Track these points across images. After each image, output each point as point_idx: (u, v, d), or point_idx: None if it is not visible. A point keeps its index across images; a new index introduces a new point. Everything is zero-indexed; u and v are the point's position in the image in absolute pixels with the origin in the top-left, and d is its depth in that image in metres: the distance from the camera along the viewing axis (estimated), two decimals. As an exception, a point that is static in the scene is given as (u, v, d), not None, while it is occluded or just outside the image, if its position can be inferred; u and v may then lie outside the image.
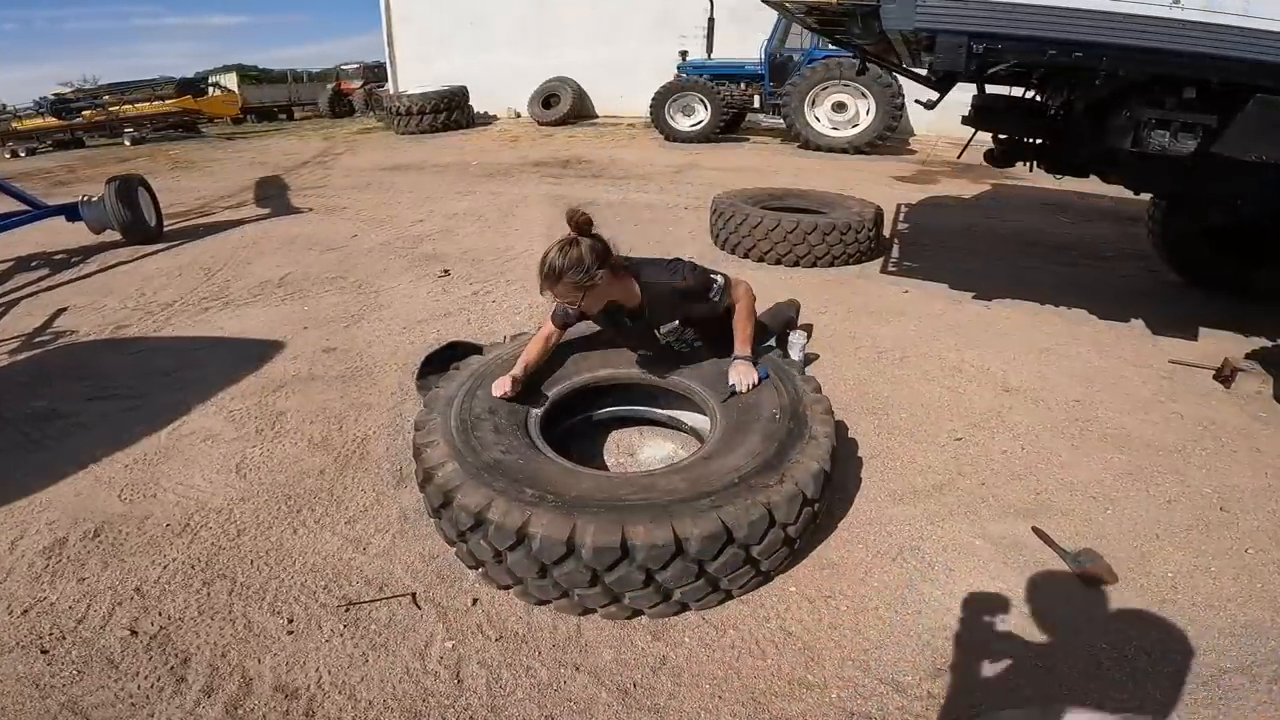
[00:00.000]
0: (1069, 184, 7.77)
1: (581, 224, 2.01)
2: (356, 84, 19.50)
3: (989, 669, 1.68)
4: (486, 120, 14.62)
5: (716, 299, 2.26)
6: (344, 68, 20.77)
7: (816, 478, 1.80)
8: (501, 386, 2.19)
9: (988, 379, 3.18)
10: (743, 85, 10.72)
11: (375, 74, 19.24)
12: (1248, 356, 3.29)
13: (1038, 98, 3.37)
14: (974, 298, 4.25)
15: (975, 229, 6.04)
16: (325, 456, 2.56)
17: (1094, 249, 5.51)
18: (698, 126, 10.54)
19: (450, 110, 12.91)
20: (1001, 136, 3.83)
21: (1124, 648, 1.74)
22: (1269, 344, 3.56)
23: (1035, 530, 2.17)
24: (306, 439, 2.68)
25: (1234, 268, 4.19)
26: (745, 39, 10.91)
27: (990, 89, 3.84)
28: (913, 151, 10.42)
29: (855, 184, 7.56)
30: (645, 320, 2.28)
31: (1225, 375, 3.13)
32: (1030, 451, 2.60)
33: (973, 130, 3.90)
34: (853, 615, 1.83)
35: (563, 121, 13.23)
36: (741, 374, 2.23)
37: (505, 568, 1.73)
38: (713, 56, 10.92)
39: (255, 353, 3.49)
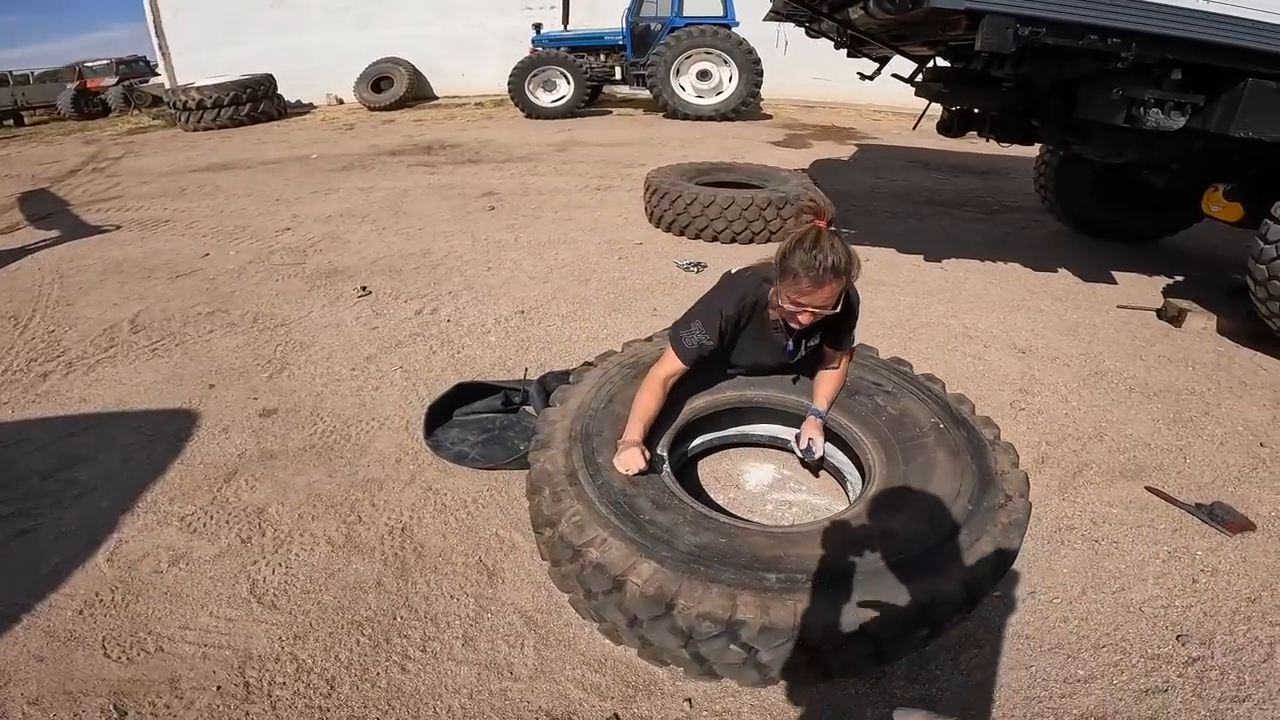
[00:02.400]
0: (924, 141, 8.62)
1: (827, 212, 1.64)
2: (109, 80, 16.78)
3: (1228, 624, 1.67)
4: (302, 109, 12.82)
5: (853, 336, 2.00)
6: (88, 65, 17.61)
7: (1020, 528, 1.61)
8: (632, 462, 1.71)
9: (996, 342, 3.28)
10: (602, 56, 10.34)
11: (133, 68, 17.12)
12: (1175, 297, 3.69)
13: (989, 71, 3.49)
14: (925, 259, 4.42)
15: (877, 191, 6.31)
16: (368, 561, 1.96)
17: (980, 203, 5.99)
18: (561, 101, 10.02)
19: (255, 100, 11.15)
20: (954, 108, 3.94)
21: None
22: (1171, 280, 4.08)
23: (1151, 490, 2.22)
24: (324, 540, 2.04)
25: (1114, 216, 4.74)
26: (597, 9, 10.48)
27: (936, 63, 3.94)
28: (769, 116, 10.76)
29: (741, 151, 7.62)
30: (804, 333, 1.90)
31: (1173, 316, 3.49)
32: (1086, 411, 2.69)
33: (926, 102, 3.98)
34: (1068, 605, 1.74)
35: (398, 105, 11.97)
36: (815, 436, 1.96)
37: (703, 658, 1.40)
38: (569, 27, 10.38)
39: (163, 430, 2.63)
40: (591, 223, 5.15)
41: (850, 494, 2.07)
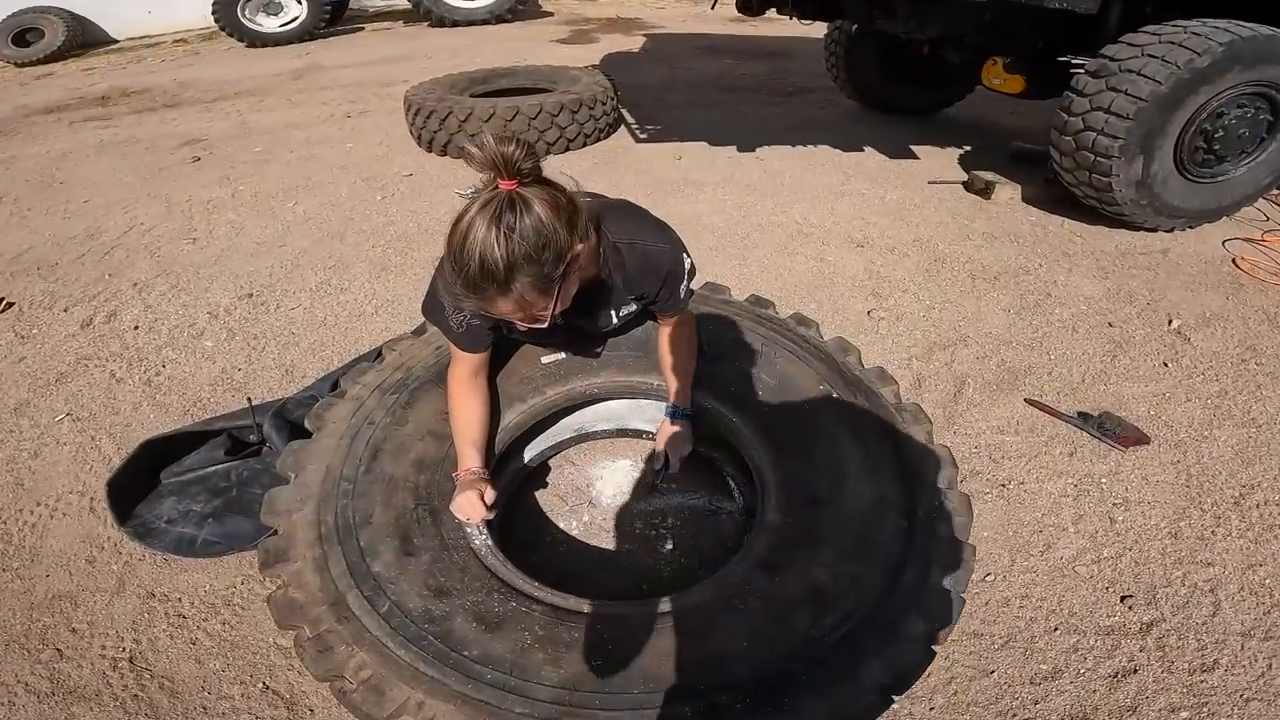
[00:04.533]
0: (708, 27, 8.17)
1: (519, 163, 0.96)
2: None
3: (1162, 573, 1.47)
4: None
5: (684, 291, 1.36)
6: None
7: (965, 534, 1.21)
8: (470, 509, 1.21)
9: (832, 237, 2.99)
10: (339, -40, 8.36)
11: None
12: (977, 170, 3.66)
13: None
14: (739, 150, 4.05)
15: (675, 82, 5.77)
16: (98, 710, 1.16)
17: (775, 86, 5.71)
18: (293, 24, 8.06)
19: None
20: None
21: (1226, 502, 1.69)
22: (962, 150, 4.10)
23: (1031, 403, 2.02)
24: (23, 690, 1.19)
25: (899, 91, 4.73)
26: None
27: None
28: (550, 14, 9.62)
29: (522, 54, 6.65)
30: (600, 302, 1.36)
31: (981, 189, 3.44)
32: (940, 309, 2.47)
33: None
34: (1004, 582, 1.47)
35: (58, 57, 8.96)
36: (677, 444, 1.47)
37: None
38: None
39: None
40: (341, 158, 4.05)
41: (735, 489, 1.60)
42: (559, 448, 1.68)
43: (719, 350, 1.54)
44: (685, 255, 1.32)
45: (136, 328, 2.41)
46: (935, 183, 3.63)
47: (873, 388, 1.42)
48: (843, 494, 1.23)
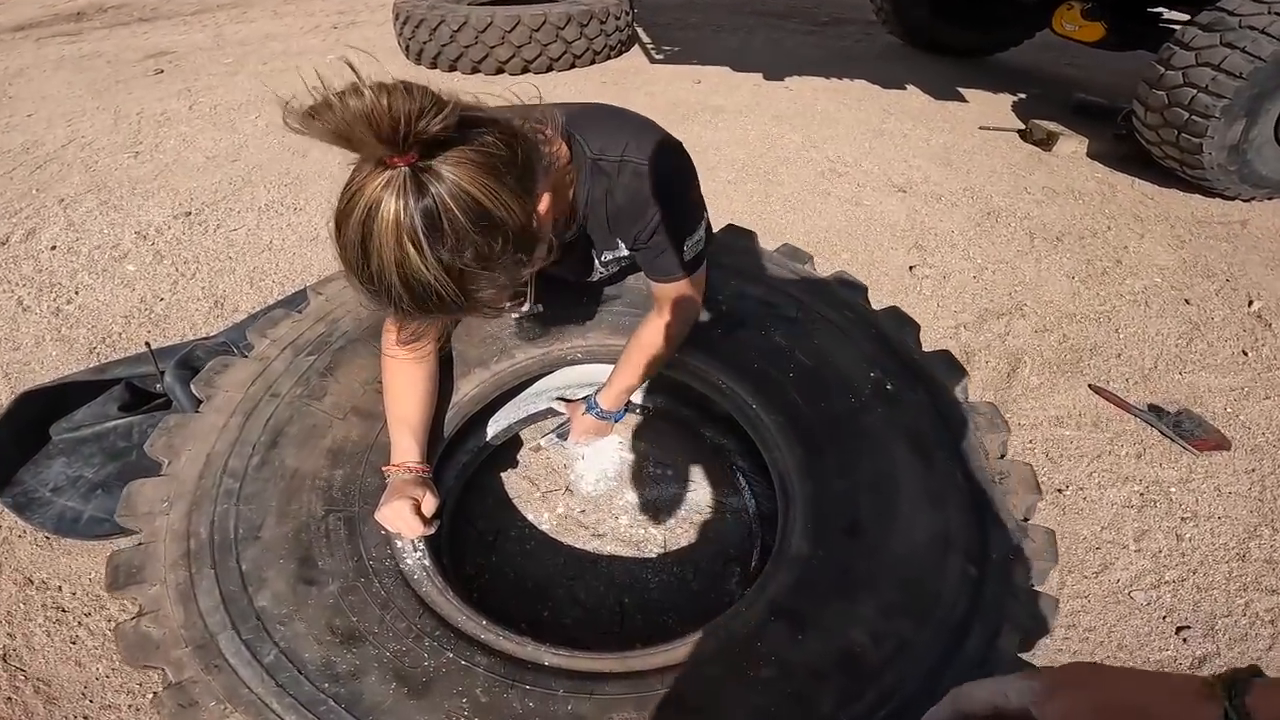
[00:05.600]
0: None
1: (422, 122, 0.58)
2: None
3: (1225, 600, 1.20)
4: None
5: (685, 248, 1.00)
6: None
7: (1050, 592, 0.92)
8: (400, 521, 0.90)
9: (870, 179, 2.63)
10: None
11: None
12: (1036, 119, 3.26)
13: None
14: (765, 78, 3.62)
15: (698, 1, 5.20)
16: None
17: (808, 14, 5.19)
18: None
19: None
20: None
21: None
22: (1016, 98, 3.65)
23: (1096, 390, 1.71)
24: None
25: (949, 30, 4.24)
26: None
27: None
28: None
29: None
30: (577, 246, 1.02)
31: (1041, 140, 3.05)
32: (995, 272, 2.12)
33: None
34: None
35: None
36: (584, 432, 1.24)
37: None
38: None
39: None
40: (319, 71, 3.60)
41: (742, 482, 1.30)
42: (532, 420, 1.37)
43: (739, 313, 1.21)
44: (692, 191, 0.97)
45: (54, 248, 2.07)
46: (988, 129, 3.22)
47: (937, 378, 1.09)
48: (893, 523, 0.92)
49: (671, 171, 0.94)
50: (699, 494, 1.35)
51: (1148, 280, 2.13)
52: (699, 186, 1.01)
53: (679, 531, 1.30)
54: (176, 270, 1.95)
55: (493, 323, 1.20)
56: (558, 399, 1.31)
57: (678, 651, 0.83)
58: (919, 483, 0.95)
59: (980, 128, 3.22)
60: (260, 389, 1.03)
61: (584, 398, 1.23)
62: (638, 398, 1.39)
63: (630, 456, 1.41)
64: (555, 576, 1.23)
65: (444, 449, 1.09)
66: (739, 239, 1.39)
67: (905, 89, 3.68)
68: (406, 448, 0.96)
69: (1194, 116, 2.37)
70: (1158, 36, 2.58)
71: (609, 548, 1.27)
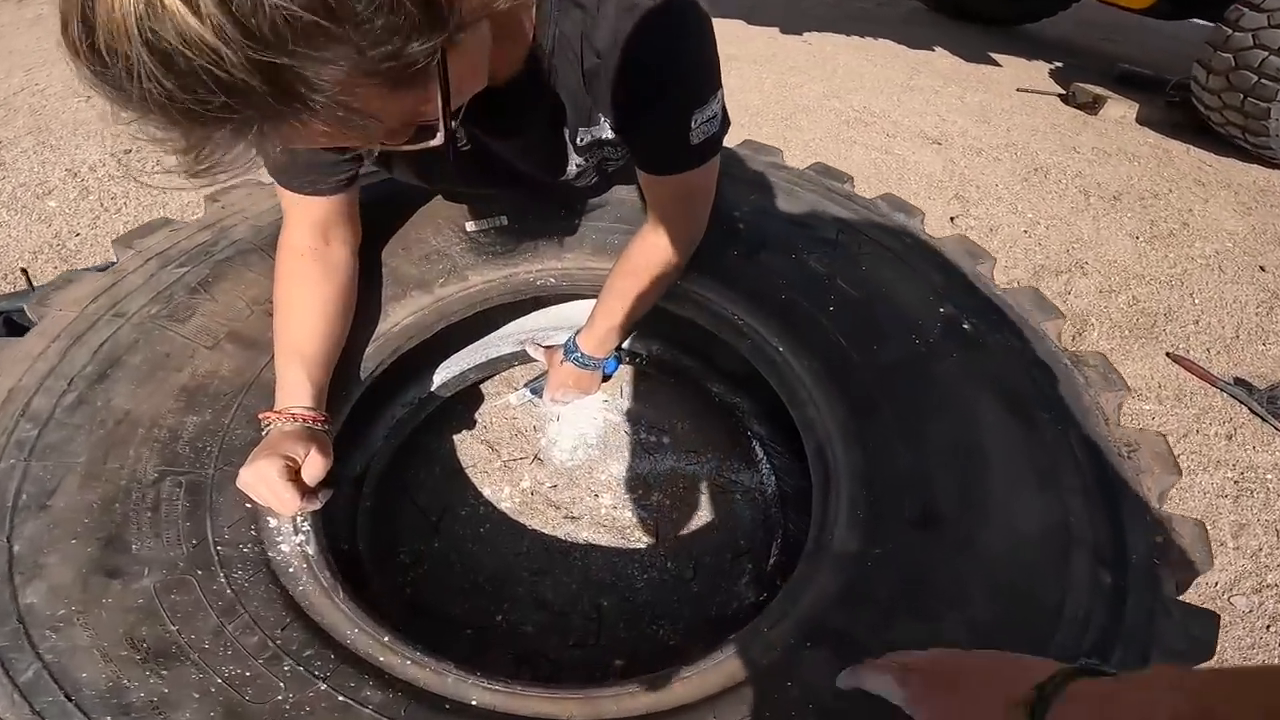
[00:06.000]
0: None
1: None
2: None
3: None
4: None
5: (712, 123, 0.71)
6: None
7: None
8: (273, 492, 0.60)
9: (901, 130, 2.34)
10: None
11: None
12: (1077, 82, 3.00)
13: None
14: (782, 32, 3.30)
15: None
16: None
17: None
18: None
19: None
20: None
21: None
22: (1052, 66, 3.37)
23: (1175, 359, 1.44)
24: None
25: None
26: None
27: None
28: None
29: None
30: (535, 121, 0.72)
31: (1087, 103, 2.78)
32: (1048, 228, 1.85)
33: None
34: None
35: None
36: (561, 385, 0.95)
37: None
38: None
39: None
40: None
41: (759, 453, 1.02)
42: (494, 368, 1.09)
43: (761, 233, 0.92)
44: (706, 45, 0.68)
45: None
46: (1026, 90, 2.94)
47: (1027, 320, 0.81)
48: (985, 509, 0.64)
49: (677, 11, 0.65)
50: (703, 468, 1.07)
51: (1218, 244, 1.86)
52: (715, 42, 0.71)
53: (676, 516, 1.02)
54: (101, 206, 1.68)
55: (440, 235, 0.91)
56: (531, 343, 1.03)
57: (670, 691, 0.56)
58: (1020, 454, 0.67)
59: (1018, 89, 2.94)
60: (102, 306, 0.74)
61: (563, 350, 0.94)
62: (628, 343, 1.11)
63: (616, 419, 1.13)
64: (515, 570, 0.95)
65: (364, 396, 0.81)
66: (759, 154, 1.10)
67: (933, 50, 3.40)
68: (295, 387, 0.68)
69: (1262, 80, 2.17)
70: (1215, 2, 2.36)
71: (586, 534, 0.99)
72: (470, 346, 1.05)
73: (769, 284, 0.87)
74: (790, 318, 0.83)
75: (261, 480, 0.59)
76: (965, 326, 0.79)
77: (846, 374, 0.77)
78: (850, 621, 0.59)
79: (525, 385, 1.10)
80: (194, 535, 0.59)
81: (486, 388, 1.15)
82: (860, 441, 0.72)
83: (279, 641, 0.55)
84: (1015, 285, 0.91)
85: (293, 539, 0.63)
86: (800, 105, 2.42)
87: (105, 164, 1.92)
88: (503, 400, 1.14)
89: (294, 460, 0.61)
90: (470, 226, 0.94)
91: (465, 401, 1.11)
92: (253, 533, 0.62)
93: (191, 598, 0.55)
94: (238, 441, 0.67)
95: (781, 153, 1.12)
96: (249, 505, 0.63)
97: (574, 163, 0.82)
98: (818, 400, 0.76)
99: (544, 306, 1.07)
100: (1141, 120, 2.70)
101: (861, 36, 3.45)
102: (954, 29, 3.82)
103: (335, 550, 0.69)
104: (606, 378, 1.00)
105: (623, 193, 0.98)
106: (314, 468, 0.62)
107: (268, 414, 0.66)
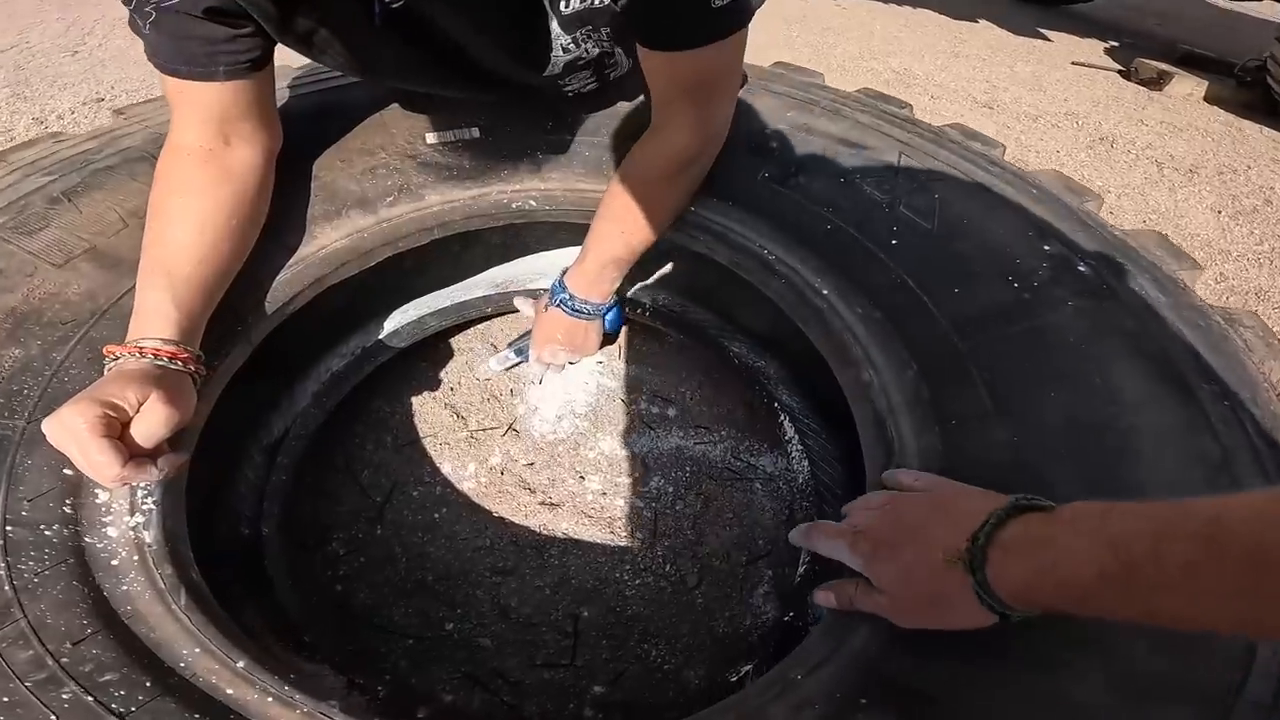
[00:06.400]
0: None
1: None
2: None
3: None
4: None
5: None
6: None
7: None
8: (89, 450, 0.40)
9: (945, 92, 2.15)
10: None
11: None
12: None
13: None
14: None
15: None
16: None
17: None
18: None
19: None
20: None
21: None
22: (1107, 45, 3.12)
23: None
24: None
25: None
26: None
27: None
28: None
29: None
30: None
31: (1151, 79, 2.56)
32: (1120, 197, 1.65)
33: None
34: None
35: None
36: (548, 341, 0.77)
37: None
38: None
39: None
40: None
41: (789, 429, 0.82)
42: (457, 315, 0.89)
43: (801, 153, 0.71)
44: None
45: None
46: (1081, 64, 2.70)
47: (1160, 267, 0.60)
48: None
49: None
50: (715, 448, 0.88)
51: (1309, 224, 1.63)
52: None
53: (679, 507, 0.83)
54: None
55: (392, 145, 0.72)
56: (522, 296, 0.83)
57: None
58: (1179, 440, 0.47)
59: (1072, 63, 2.70)
60: None
61: (550, 295, 0.75)
62: (631, 289, 0.91)
63: (611, 384, 0.93)
64: (475, 567, 0.76)
65: (279, 337, 0.62)
66: (796, 73, 0.89)
67: (977, 22, 3.16)
68: (151, 314, 0.49)
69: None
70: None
71: (566, 526, 0.80)
72: (436, 293, 0.86)
73: (808, 212, 0.66)
74: (838, 252, 0.63)
75: (68, 434, 0.40)
76: (1082, 269, 0.58)
77: (917, 325, 0.57)
78: (922, 671, 0.39)
79: (508, 345, 0.90)
80: (-33, 507, 0.40)
81: (457, 341, 0.96)
82: (938, 416, 0.52)
83: (64, 660, 0.36)
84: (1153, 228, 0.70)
85: (125, 520, 0.44)
86: (833, 65, 2.20)
87: (75, 111, 1.80)
88: (480, 363, 0.94)
89: (121, 409, 0.42)
90: (431, 138, 0.74)
91: (429, 358, 0.92)
92: (65, 510, 0.43)
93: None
94: (71, 384, 0.48)
95: (822, 76, 0.92)
96: (68, 472, 0.44)
97: (560, 44, 0.63)
98: (876, 360, 0.56)
99: (518, 234, 0.87)
100: (1210, 99, 2.46)
101: (899, 5, 3.23)
102: (996, 4, 3.58)
103: (229, 538, 0.51)
104: (608, 336, 0.81)
105: (628, 106, 0.78)
106: (151, 422, 0.43)
107: (113, 347, 0.47)
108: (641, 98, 0.77)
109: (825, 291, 0.61)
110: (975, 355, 0.54)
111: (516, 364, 0.88)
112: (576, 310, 0.73)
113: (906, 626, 0.40)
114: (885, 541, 0.41)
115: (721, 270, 0.69)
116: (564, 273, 0.73)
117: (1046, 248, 0.60)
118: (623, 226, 0.65)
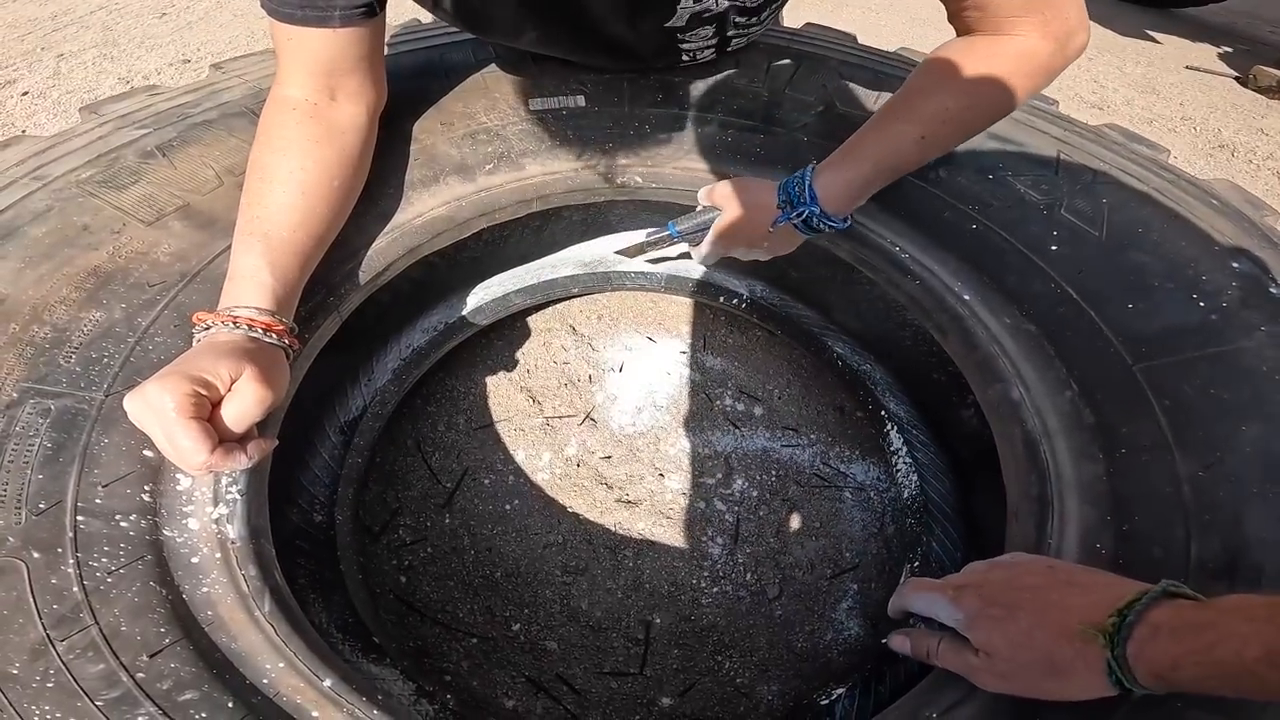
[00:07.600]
0: None
1: None
2: None
3: None
4: None
5: None
6: None
7: None
8: (175, 433, 0.36)
9: (1053, 91, 1.92)
10: None
11: None
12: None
13: None
14: None
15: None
16: None
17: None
18: None
19: None
20: None
21: None
22: (1220, 50, 2.89)
23: None
24: None
25: None
26: None
27: None
28: None
29: None
30: None
31: (1269, 87, 2.35)
32: None
33: None
34: None
35: None
36: (733, 236, 0.62)
37: None
38: None
39: None
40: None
41: (896, 440, 0.76)
42: (544, 294, 0.84)
43: (940, 144, 0.64)
44: None
45: (25, 93, 1.71)
46: (1195, 69, 2.51)
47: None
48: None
49: None
50: (804, 452, 0.82)
51: None
52: None
53: (762, 511, 0.77)
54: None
55: (495, 110, 0.68)
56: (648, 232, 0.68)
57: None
58: None
59: (1186, 67, 2.51)
60: (27, 169, 0.53)
61: (782, 190, 0.59)
62: (724, 277, 0.85)
63: (696, 377, 0.88)
64: (545, 565, 0.73)
65: (366, 309, 0.58)
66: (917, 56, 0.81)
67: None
68: (247, 281, 0.45)
69: None
70: None
71: (642, 526, 0.76)
72: (518, 269, 0.82)
73: (950, 209, 0.60)
74: (985, 256, 0.56)
75: (153, 414, 0.37)
76: (1274, 291, 0.50)
77: (1080, 342, 0.50)
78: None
79: (670, 224, 0.67)
80: (46, 493, 0.38)
81: (534, 321, 0.91)
82: (1103, 444, 0.45)
83: (140, 675, 0.33)
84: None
85: (208, 511, 0.40)
86: (891, 45, 2.08)
87: (162, 72, 1.83)
88: (612, 255, 0.78)
89: (214, 386, 0.38)
90: (536, 104, 0.70)
91: (505, 336, 0.88)
92: (144, 498, 0.40)
93: (12, 594, 0.34)
94: (156, 353, 0.45)
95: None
96: (149, 454, 0.41)
97: (686, 6, 0.57)
98: (1026, 377, 0.50)
99: (600, 212, 0.82)
100: (1342, 112, 2.25)
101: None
102: (1104, 3, 3.37)
103: (300, 526, 0.48)
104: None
105: (744, 82, 0.72)
106: (244, 403, 0.39)
107: (203, 314, 0.44)
108: (761, 77, 0.71)
109: (967, 297, 0.55)
110: (1152, 379, 0.47)
111: (673, 239, 0.66)
112: (814, 228, 0.58)
113: (997, 690, 0.38)
114: (997, 602, 0.39)
115: (838, 265, 0.63)
116: (810, 174, 0.57)
117: (1235, 265, 0.52)
118: (924, 130, 0.54)
